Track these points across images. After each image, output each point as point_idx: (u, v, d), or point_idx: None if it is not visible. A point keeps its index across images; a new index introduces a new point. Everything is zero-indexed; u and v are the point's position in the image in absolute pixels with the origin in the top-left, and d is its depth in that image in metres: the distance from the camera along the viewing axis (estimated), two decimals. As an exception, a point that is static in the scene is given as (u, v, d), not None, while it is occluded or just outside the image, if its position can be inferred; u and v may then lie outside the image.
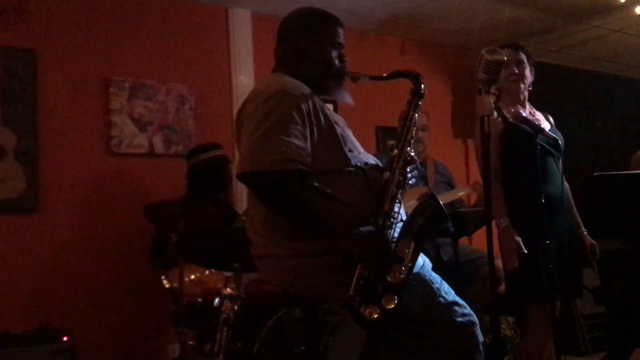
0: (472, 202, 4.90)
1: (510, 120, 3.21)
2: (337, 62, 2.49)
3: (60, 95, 4.39)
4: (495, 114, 3.23)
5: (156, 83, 4.72)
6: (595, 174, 3.60)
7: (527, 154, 3.11)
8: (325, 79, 2.48)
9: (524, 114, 3.20)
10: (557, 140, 3.18)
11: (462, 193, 4.45)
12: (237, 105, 4.39)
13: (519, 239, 3.10)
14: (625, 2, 5.23)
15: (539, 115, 3.40)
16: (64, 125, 4.38)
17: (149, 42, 4.76)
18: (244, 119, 2.36)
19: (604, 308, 4.77)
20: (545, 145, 3.17)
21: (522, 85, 3.32)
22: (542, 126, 3.31)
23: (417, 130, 4.13)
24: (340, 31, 2.52)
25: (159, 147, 4.71)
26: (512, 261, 3.09)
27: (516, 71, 3.30)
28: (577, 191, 3.56)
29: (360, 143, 2.54)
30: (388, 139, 5.69)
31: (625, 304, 4.01)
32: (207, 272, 3.81)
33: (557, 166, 3.27)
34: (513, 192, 3.21)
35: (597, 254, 3.41)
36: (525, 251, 3.08)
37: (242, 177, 2.29)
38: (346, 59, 2.53)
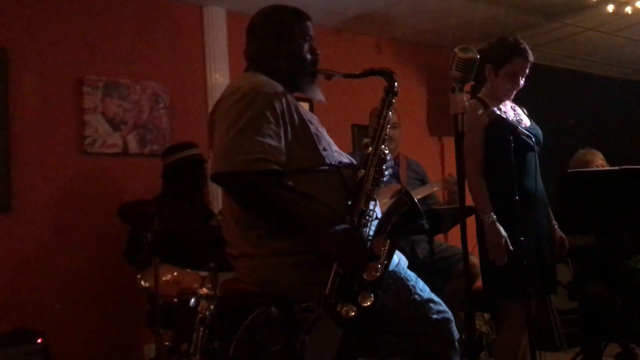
0: (446, 196, 4.92)
1: (497, 111, 3.23)
2: (308, 55, 2.49)
3: (32, 94, 4.34)
4: (481, 109, 3.25)
5: (130, 82, 4.68)
6: (568, 170, 3.64)
7: (503, 153, 3.13)
8: (299, 74, 2.48)
9: (498, 112, 3.22)
10: (530, 137, 3.21)
11: (435, 188, 4.47)
12: (212, 103, 4.35)
13: (505, 234, 3.11)
14: (597, 1, 5.29)
15: (519, 110, 3.43)
16: (36, 125, 4.33)
17: (123, 41, 4.72)
18: (217, 119, 2.35)
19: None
20: (527, 140, 3.19)
21: (513, 94, 3.36)
22: (523, 122, 3.34)
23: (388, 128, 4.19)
24: (309, 24, 2.52)
25: (133, 146, 4.67)
26: (502, 256, 3.10)
27: (521, 84, 3.31)
28: (551, 188, 3.59)
29: (336, 142, 2.55)
30: (364, 137, 5.70)
31: (597, 299, 4.05)
32: (183, 271, 3.79)
33: (536, 162, 3.30)
34: (491, 189, 3.23)
35: (567, 248, 3.44)
36: (512, 248, 3.09)
37: (216, 177, 2.28)
38: (318, 52, 2.53)
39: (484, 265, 3.20)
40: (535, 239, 3.12)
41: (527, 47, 3.31)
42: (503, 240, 3.08)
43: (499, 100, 3.33)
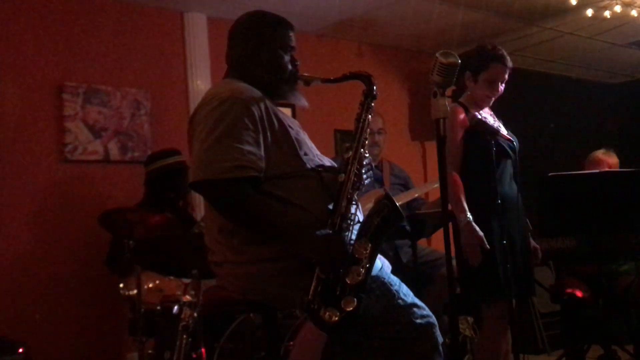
0: (432, 199, 4.93)
1: (481, 114, 3.25)
2: (289, 65, 2.49)
3: (11, 102, 4.30)
4: (463, 113, 3.27)
5: (111, 88, 4.65)
6: (549, 174, 3.66)
7: (483, 157, 3.15)
8: (278, 83, 2.47)
9: (479, 117, 3.24)
10: (513, 142, 3.23)
11: (419, 192, 4.48)
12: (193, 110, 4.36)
13: (481, 234, 3.12)
14: (576, 5, 5.33)
15: (496, 119, 3.45)
16: (16, 133, 4.29)
17: (103, 47, 4.69)
18: (195, 126, 2.34)
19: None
20: (504, 146, 3.22)
21: (492, 101, 3.38)
22: (501, 130, 3.36)
23: (373, 134, 4.20)
24: (292, 34, 2.51)
25: (115, 153, 4.64)
26: (476, 257, 3.12)
27: (501, 90, 3.33)
28: (532, 191, 3.61)
29: (319, 147, 2.55)
30: (347, 142, 5.70)
31: (579, 301, 4.07)
32: (165, 279, 3.77)
33: (512, 167, 3.32)
34: (470, 193, 3.24)
35: (540, 258, 3.47)
36: (488, 247, 3.10)
37: (194, 185, 2.27)
38: (298, 62, 2.53)
39: (461, 269, 3.21)
40: (510, 244, 3.14)
41: (505, 54, 3.32)
42: (479, 240, 3.10)
43: (479, 107, 3.35)
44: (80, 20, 4.61)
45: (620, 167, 4.42)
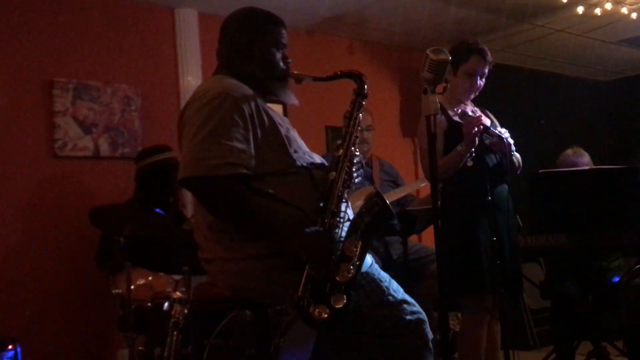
0: (423, 195, 4.94)
1: (456, 118, 3.24)
2: (281, 63, 2.48)
3: (1, 98, 4.28)
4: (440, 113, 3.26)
5: (101, 84, 4.64)
6: (539, 171, 3.67)
7: (476, 151, 3.14)
8: (270, 80, 2.47)
9: (469, 112, 3.24)
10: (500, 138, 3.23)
11: (410, 190, 4.48)
12: (184, 106, 4.34)
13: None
14: (567, 2, 5.35)
15: (480, 114, 3.45)
16: (5, 128, 4.27)
17: (94, 43, 4.67)
18: (185, 122, 2.34)
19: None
20: (486, 143, 3.22)
21: (473, 95, 3.37)
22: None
23: (362, 131, 4.19)
24: (284, 32, 2.51)
25: (105, 149, 4.62)
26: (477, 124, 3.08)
27: (481, 84, 3.32)
28: (522, 188, 3.62)
29: (310, 143, 2.55)
30: (338, 139, 5.70)
31: (569, 298, 4.09)
32: (156, 275, 3.76)
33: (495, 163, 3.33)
34: (460, 190, 3.24)
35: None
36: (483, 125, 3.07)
37: (184, 182, 2.26)
38: (290, 60, 2.52)
39: (442, 264, 3.21)
40: (498, 240, 3.14)
41: (486, 49, 3.32)
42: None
43: (459, 101, 3.34)
44: (70, 15, 4.59)
45: (610, 164, 4.41)
